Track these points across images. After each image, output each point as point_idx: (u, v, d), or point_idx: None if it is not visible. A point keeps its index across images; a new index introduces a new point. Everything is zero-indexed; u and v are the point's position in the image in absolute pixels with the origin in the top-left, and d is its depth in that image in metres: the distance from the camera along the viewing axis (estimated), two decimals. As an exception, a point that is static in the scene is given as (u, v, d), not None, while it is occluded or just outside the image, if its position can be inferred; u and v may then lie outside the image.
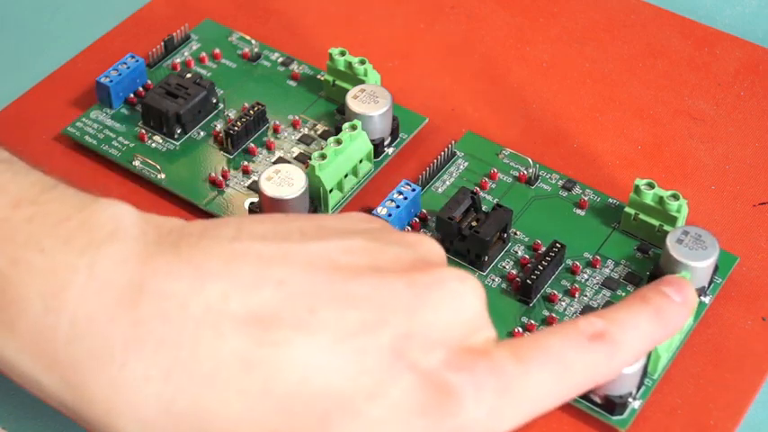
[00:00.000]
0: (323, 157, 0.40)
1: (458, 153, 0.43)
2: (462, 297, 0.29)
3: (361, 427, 0.27)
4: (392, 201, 0.40)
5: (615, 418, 0.35)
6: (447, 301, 0.29)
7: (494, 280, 0.39)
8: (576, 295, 0.38)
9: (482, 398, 0.28)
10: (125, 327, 0.27)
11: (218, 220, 0.31)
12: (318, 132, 0.44)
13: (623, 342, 0.31)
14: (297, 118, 0.44)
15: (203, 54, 0.47)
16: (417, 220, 0.41)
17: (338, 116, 0.44)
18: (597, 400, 0.35)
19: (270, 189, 0.39)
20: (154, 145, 0.43)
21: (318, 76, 0.46)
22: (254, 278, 0.28)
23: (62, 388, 0.28)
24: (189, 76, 0.44)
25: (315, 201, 0.41)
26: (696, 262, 0.37)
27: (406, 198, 0.40)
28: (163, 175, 0.42)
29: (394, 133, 0.43)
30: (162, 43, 0.47)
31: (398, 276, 0.29)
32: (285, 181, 0.39)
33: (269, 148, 0.43)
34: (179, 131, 0.44)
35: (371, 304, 0.28)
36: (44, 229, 0.28)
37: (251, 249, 0.29)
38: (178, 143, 0.44)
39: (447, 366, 0.28)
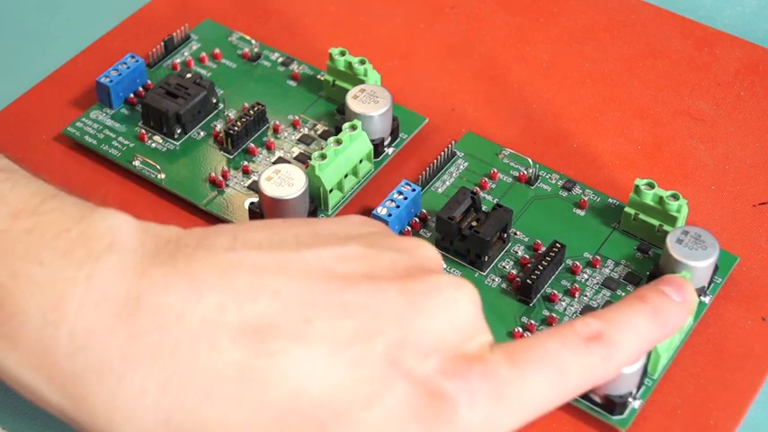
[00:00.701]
0: (323, 157, 0.40)
1: (458, 153, 0.43)
2: (457, 304, 0.29)
3: None
4: (392, 201, 0.40)
5: (615, 417, 0.35)
6: (441, 308, 0.29)
7: (494, 280, 0.39)
8: (576, 295, 0.38)
9: (476, 404, 0.28)
10: (123, 339, 0.27)
11: (215, 228, 0.31)
12: (318, 132, 0.44)
13: (620, 343, 0.31)
14: (297, 118, 0.44)
15: (203, 54, 0.47)
16: (417, 220, 0.41)
17: (338, 116, 0.44)
18: (597, 399, 0.35)
19: (270, 189, 0.39)
20: (154, 145, 0.43)
21: (318, 76, 0.46)
22: (249, 289, 0.28)
23: (63, 399, 0.28)
24: (189, 76, 0.44)
25: (315, 201, 0.41)
26: (696, 262, 0.37)
27: (406, 198, 0.40)
28: (163, 175, 0.42)
29: (394, 133, 0.43)
30: (162, 43, 0.47)
31: (393, 284, 0.29)
32: (285, 181, 0.39)
33: (269, 148, 0.43)
34: (179, 131, 0.43)
35: (366, 313, 0.28)
36: (43, 241, 0.29)
37: (246, 259, 0.29)
38: (178, 143, 0.44)
39: (441, 373, 0.28)
